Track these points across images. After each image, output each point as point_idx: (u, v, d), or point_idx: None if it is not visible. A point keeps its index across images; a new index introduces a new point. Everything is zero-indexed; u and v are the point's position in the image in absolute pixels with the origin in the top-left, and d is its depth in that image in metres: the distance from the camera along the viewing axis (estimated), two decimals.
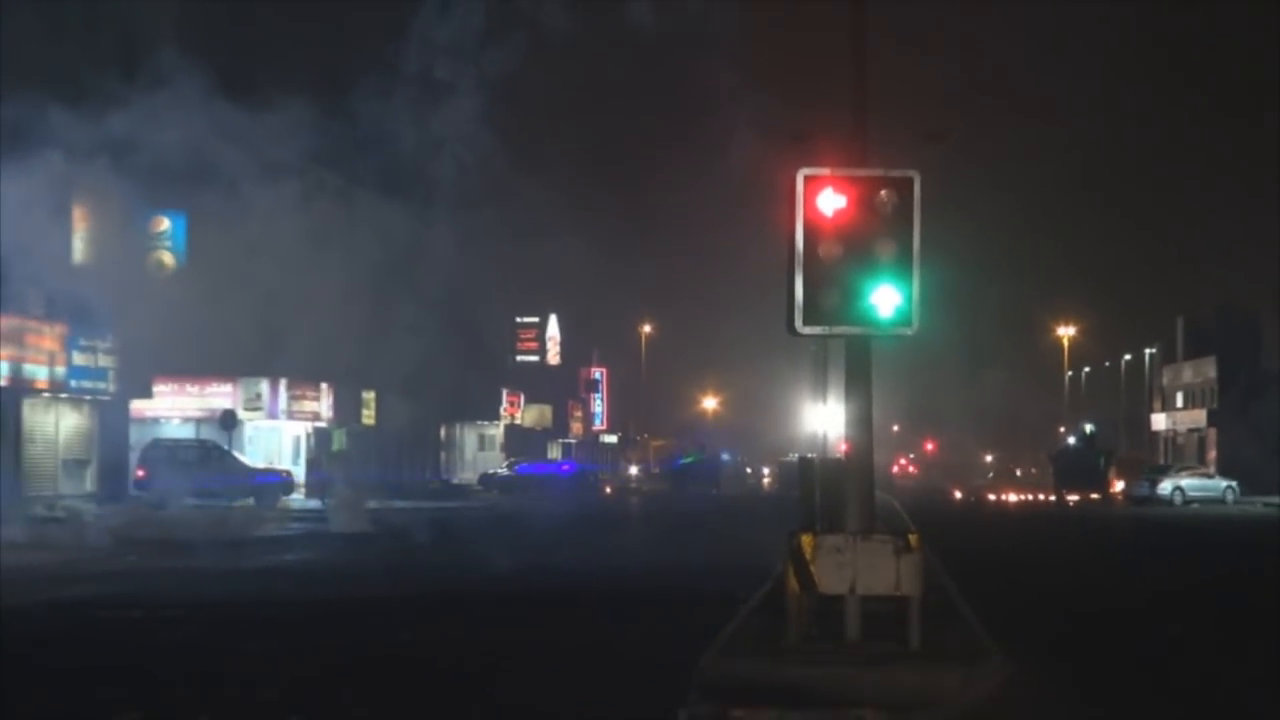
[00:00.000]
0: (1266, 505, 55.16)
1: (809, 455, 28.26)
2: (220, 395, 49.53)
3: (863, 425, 13.59)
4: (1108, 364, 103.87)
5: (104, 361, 39.69)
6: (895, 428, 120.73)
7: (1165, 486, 60.44)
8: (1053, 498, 63.46)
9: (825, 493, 15.69)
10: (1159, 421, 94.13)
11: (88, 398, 40.08)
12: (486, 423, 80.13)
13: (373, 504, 36.28)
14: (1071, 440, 73.14)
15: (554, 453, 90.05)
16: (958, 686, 11.53)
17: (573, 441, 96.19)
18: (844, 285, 12.54)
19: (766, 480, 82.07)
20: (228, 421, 45.75)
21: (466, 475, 71.73)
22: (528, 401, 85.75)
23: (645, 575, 21.80)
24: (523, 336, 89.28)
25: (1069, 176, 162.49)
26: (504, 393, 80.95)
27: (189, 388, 49.41)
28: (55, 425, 39.56)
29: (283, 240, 28.57)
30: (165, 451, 42.53)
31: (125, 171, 28.79)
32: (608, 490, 67.87)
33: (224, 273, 31.29)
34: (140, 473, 41.50)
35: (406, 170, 31.09)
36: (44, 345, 37.39)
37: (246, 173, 27.96)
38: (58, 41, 35.21)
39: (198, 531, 29.94)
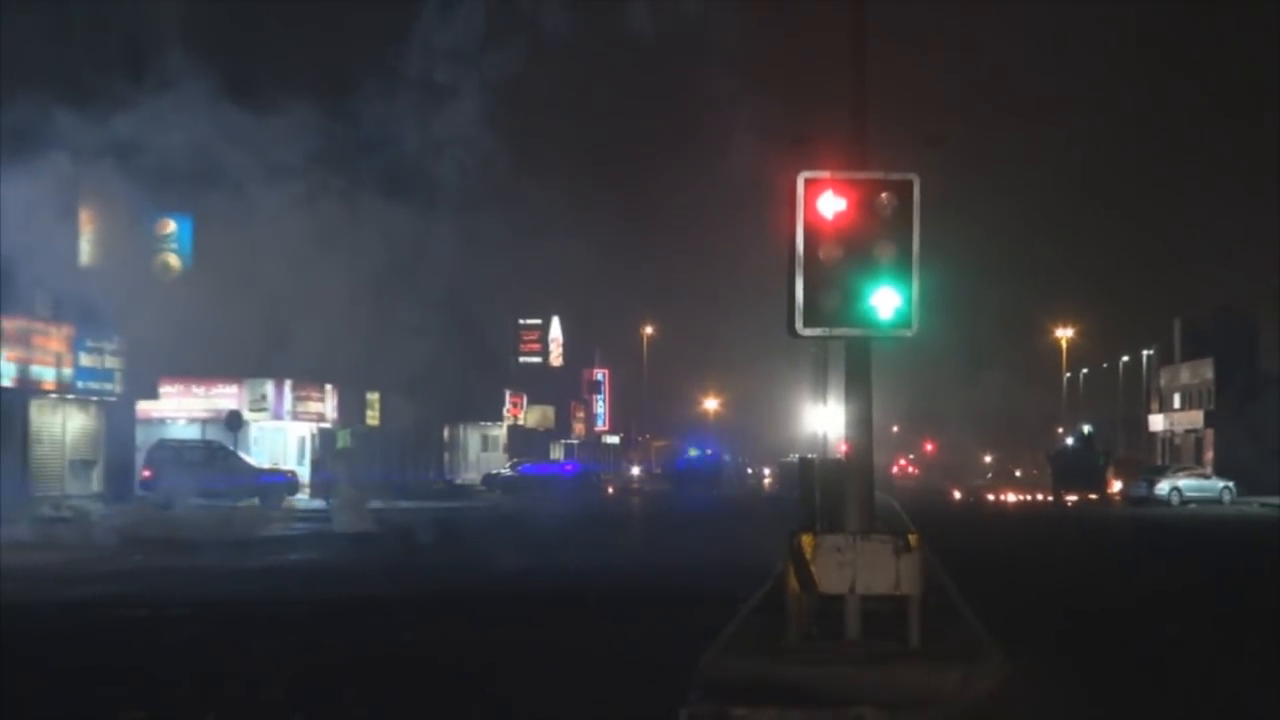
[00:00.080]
0: (1263, 505, 55.25)
1: (809, 456, 28.36)
2: (226, 396, 49.72)
3: (862, 426, 13.62)
4: (1106, 365, 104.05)
5: (110, 363, 39.87)
6: (895, 428, 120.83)
7: (1163, 487, 60.55)
8: (1051, 498, 63.55)
9: (825, 493, 15.73)
10: (1156, 422, 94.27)
11: (94, 399, 40.25)
12: (490, 423, 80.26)
13: (377, 504, 36.42)
14: (1070, 441, 73.21)
15: (556, 453, 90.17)
16: (958, 685, 11.58)
17: (575, 442, 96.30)
18: (844, 287, 12.59)
19: (767, 481, 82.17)
20: (233, 422, 45.90)
21: (470, 476, 71.87)
22: (530, 402, 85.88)
23: (646, 575, 21.88)
24: (525, 338, 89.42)
25: (1068, 178, 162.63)
26: (507, 394, 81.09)
27: (195, 389, 49.60)
28: (62, 426, 39.74)
29: (287, 242, 28.70)
30: (171, 452, 42.72)
31: (131, 174, 28.95)
32: (610, 490, 67.96)
33: (229, 274, 31.44)
34: (146, 473, 41.66)
35: (410, 172, 31.21)
36: (51, 346, 37.57)
37: (252, 175, 28.10)
38: (64, 44, 35.37)
39: (203, 531, 30.09)
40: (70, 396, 39.25)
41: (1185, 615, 17.60)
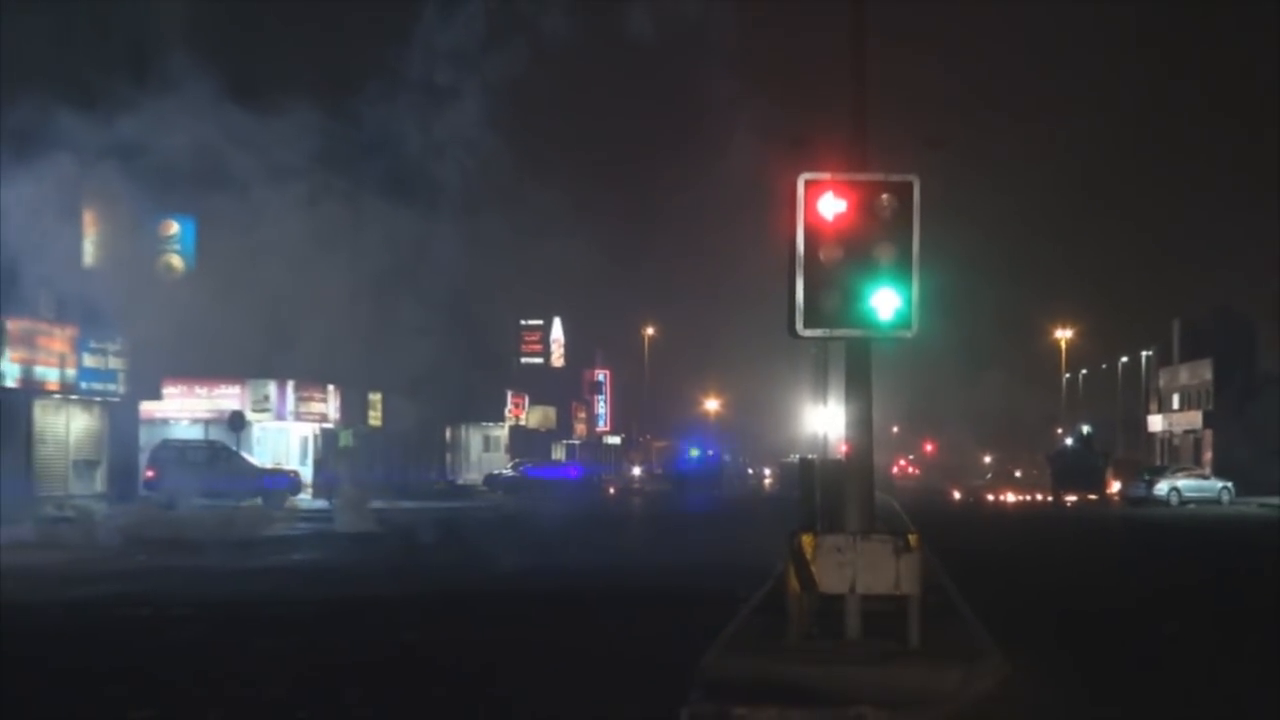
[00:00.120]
0: (1262, 506, 55.34)
1: (809, 456, 28.42)
2: (229, 397, 49.84)
3: (863, 427, 13.66)
4: (1105, 366, 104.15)
5: (114, 363, 39.98)
6: (895, 429, 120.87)
7: (1161, 487, 60.66)
8: (1050, 498, 63.64)
9: (825, 493, 15.76)
10: (1155, 423, 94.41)
11: (98, 399, 40.36)
12: (491, 424, 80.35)
13: (379, 504, 36.48)
14: (1069, 441, 73.30)
15: (558, 454, 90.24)
16: (958, 685, 11.62)
17: (576, 443, 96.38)
18: (844, 288, 12.63)
19: (767, 481, 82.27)
20: (236, 423, 46.00)
21: (471, 476, 71.96)
22: (532, 403, 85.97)
23: (647, 575, 21.93)
24: (527, 339, 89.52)
25: (1067, 179, 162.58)
26: (509, 394, 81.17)
27: (198, 389, 49.72)
28: (66, 426, 39.85)
29: (290, 243, 28.80)
30: (174, 452, 42.85)
31: (135, 175, 29.04)
32: (611, 491, 68.01)
33: (232, 275, 31.53)
34: (150, 473, 41.78)
35: (411, 173, 31.31)
36: (55, 347, 37.67)
37: (254, 176, 28.19)
38: (66, 46, 35.46)
39: (206, 531, 30.16)
40: (74, 397, 39.35)
41: (1184, 615, 17.65)
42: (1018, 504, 63.86)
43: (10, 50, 32.32)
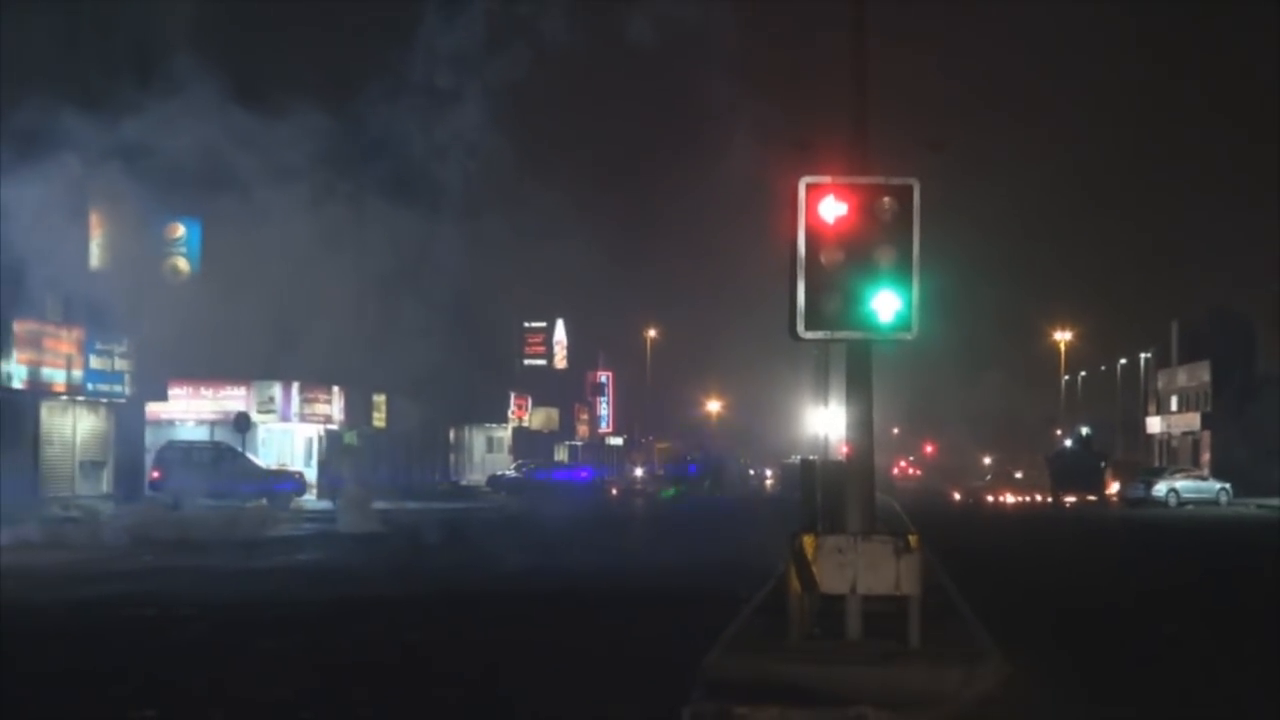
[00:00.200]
0: (1260, 507, 55.44)
1: (810, 457, 28.54)
2: (234, 398, 50.00)
3: (863, 428, 13.72)
4: (1104, 368, 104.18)
5: (120, 365, 40.13)
6: (895, 430, 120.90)
7: (1160, 488, 60.76)
8: (1049, 499, 63.73)
9: (826, 494, 15.83)
10: (1154, 424, 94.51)
11: (104, 400, 40.51)
12: (495, 425, 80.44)
13: (383, 505, 36.57)
14: (1068, 443, 73.37)
15: (560, 455, 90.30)
16: (958, 685, 11.67)
17: (579, 444, 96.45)
18: (845, 291, 12.70)
19: (769, 482, 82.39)
20: (241, 424, 46.13)
21: (475, 477, 72.07)
22: (535, 404, 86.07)
23: (649, 575, 22.01)
24: (530, 341, 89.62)
25: (1066, 181, 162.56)
26: (512, 396, 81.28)
27: (203, 391, 49.89)
28: (72, 427, 39.99)
29: (295, 245, 28.92)
30: (180, 453, 43.00)
31: (141, 178, 29.17)
32: (613, 492, 68.08)
33: (237, 278, 31.67)
34: (155, 474, 41.92)
35: (416, 176, 31.43)
36: (61, 349, 37.81)
37: (259, 179, 28.31)
38: (72, 48, 35.59)
39: (211, 532, 30.28)
40: (80, 398, 39.51)
41: (1183, 615, 17.71)
42: (1017, 505, 63.93)
43: (16, 52, 32.46)
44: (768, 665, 11.97)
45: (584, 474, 70.43)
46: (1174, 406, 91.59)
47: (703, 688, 11.28)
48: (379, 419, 58.57)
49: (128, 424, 41.82)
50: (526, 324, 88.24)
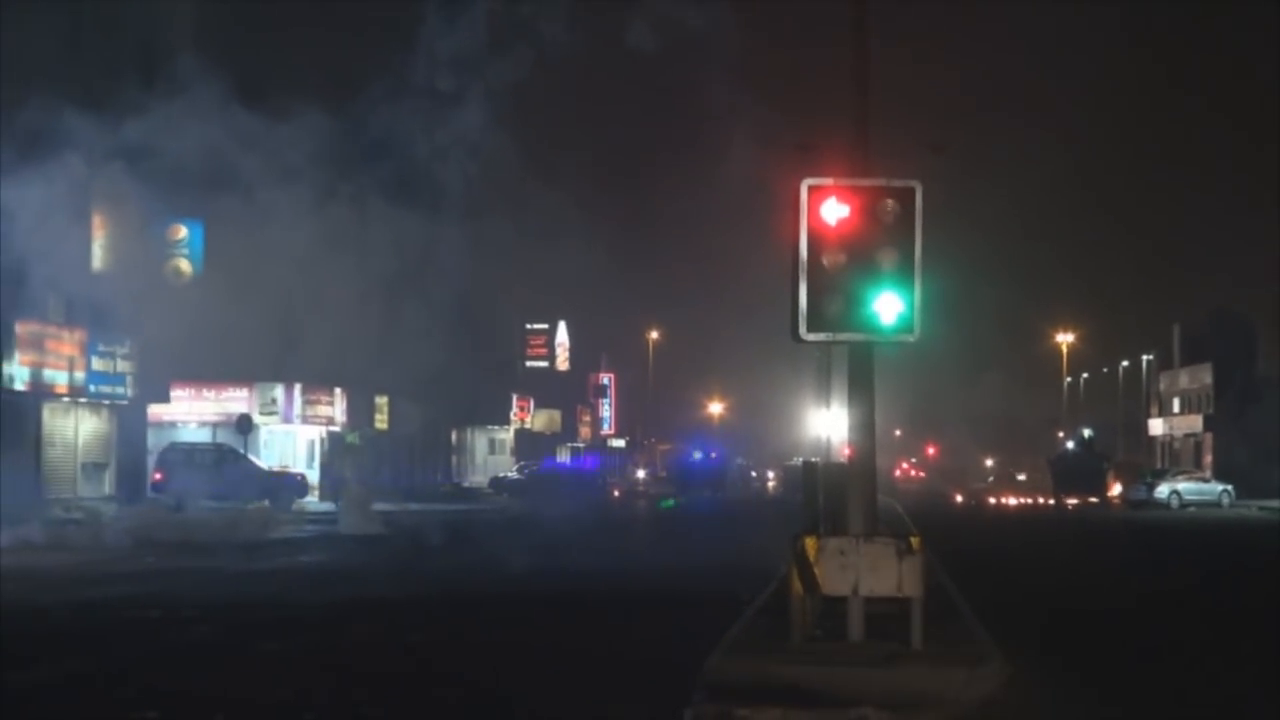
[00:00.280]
0: (1262, 509, 55.52)
1: (813, 459, 28.55)
2: (236, 400, 50.05)
3: (865, 430, 13.73)
4: (1105, 370, 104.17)
5: (122, 367, 40.18)
6: (897, 432, 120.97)
7: (1162, 490, 60.86)
8: (1051, 501, 63.77)
9: (828, 496, 15.84)
10: (1156, 426, 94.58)
11: (106, 402, 40.56)
12: (497, 427, 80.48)
13: (386, 506, 36.57)
14: (1070, 445, 73.45)
15: (563, 457, 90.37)
16: (960, 686, 11.71)
17: (581, 446, 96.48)
18: (847, 293, 12.74)
19: (771, 484, 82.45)
20: (244, 425, 46.17)
21: (477, 479, 72.11)
22: (537, 406, 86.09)
23: (651, 577, 22.01)
24: (532, 342, 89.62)
25: (1067, 183, 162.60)
26: (514, 398, 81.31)
27: (206, 392, 49.94)
28: (74, 429, 40.03)
29: (297, 247, 28.94)
30: (182, 455, 43.03)
31: (143, 179, 29.20)
32: (616, 494, 68.12)
33: (240, 279, 31.69)
34: (157, 476, 41.95)
35: (419, 178, 31.46)
36: (64, 351, 37.86)
37: (262, 180, 28.33)
38: (75, 50, 35.63)
39: (214, 533, 30.31)
40: (82, 400, 39.54)
41: (1185, 616, 17.75)
42: (1019, 507, 63.98)
43: (19, 52, 32.51)
44: (769, 667, 12.00)
45: (590, 463, 70.75)
46: (1176, 408, 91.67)
47: (704, 690, 11.30)
48: (381, 420, 58.60)
49: (130, 426, 41.86)
50: (529, 325, 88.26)
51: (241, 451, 44.54)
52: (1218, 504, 59.73)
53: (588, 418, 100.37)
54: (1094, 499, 62.56)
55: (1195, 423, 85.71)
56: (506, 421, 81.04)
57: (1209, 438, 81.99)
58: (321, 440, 54.78)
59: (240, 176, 28.54)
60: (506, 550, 25.88)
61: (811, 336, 13.03)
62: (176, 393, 46.79)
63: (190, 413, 49.69)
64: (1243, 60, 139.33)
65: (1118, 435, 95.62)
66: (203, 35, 35.63)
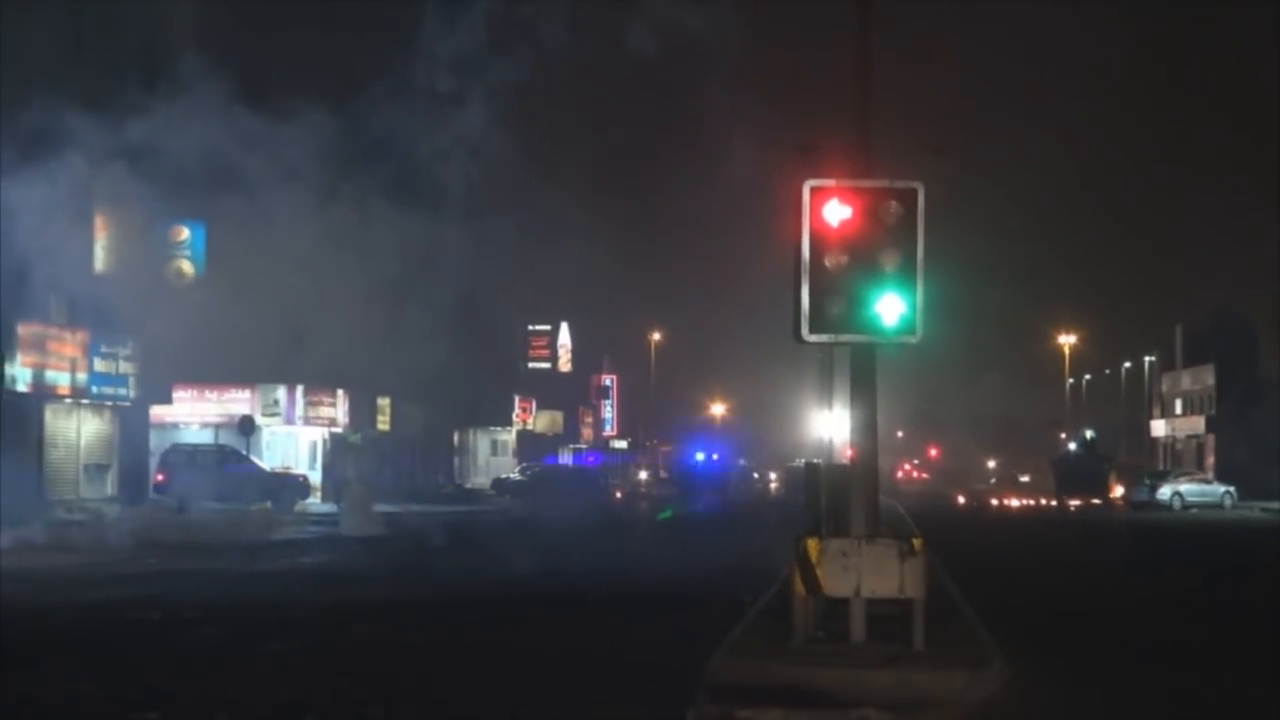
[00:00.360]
0: (1264, 510, 55.57)
1: (815, 461, 28.56)
2: (239, 401, 50.05)
3: (867, 431, 13.74)
4: (1108, 371, 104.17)
5: (125, 368, 40.20)
6: (899, 434, 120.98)
7: (1164, 492, 60.91)
8: (1054, 503, 63.80)
9: (831, 497, 15.85)
10: (1158, 428, 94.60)
11: (109, 404, 40.58)
12: (499, 428, 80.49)
13: (388, 508, 36.58)
14: (1072, 446, 73.47)
15: (564, 457, 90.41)
16: (962, 687, 11.73)
17: (583, 447, 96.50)
18: (849, 294, 12.75)
19: (773, 485, 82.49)
20: (246, 427, 46.20)
21: (479, 480, 72.15)
22: (539, 407, 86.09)
23: (653, 578, 22.02)
24: (535, 344, 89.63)
25: (1069, 183, 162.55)
26: (516, 399, 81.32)
27: (208, 394, 49.95)
28: (77, 430, 40.05)
29: (300, 248, 28.96)
30: (184, 456, 43.08)
31: (146, 180, 29.22)
32: (618, 495, 68.16)
33: (242, 281, 31.71)
34: (160, 477, 41.98)
35: (421, 179, 31.48)
36: (66, 352, 37.88)
37: (264, 181, 28.35)
38: (77, 51, 35.65)
39: (216, 534, 30.34)
40: (85, 402, 39.57)
41: (1186, 617, 17.75)
42: (1021, 508, 64.00)
43: (21, 53, 32.53)
44: (771, 668, 12.03)
45: (591, 459, 70.85)
46: (1178, 410, 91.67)
47: (706, 691, 11.32)
48: (383, 422, 58.61)
49: (132, 427, 41.88)
50: (531, 327, 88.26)
51: (244, 453, 44.57)
52: (1220, 505, 59.75)
53: (590, 419, 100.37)
54: (1096, 500, 62.59)
55: (1197, 424, 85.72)
56: (509, 423, 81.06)
57: (1211, 439, 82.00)
58: (324, 441, 54.80)
59: (243, 177, 28.56)
60: (508, 551, 25.90)
61: (814, 338, 13.04)
62: (179, 394, 46.81)
63: (192, 414, 49.71)
64: (1243, 60, 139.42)
65: (1120, 436, 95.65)
66: (205, 35, 35.64)
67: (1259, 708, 11.96)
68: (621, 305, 78.13)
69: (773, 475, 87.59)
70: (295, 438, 53.52)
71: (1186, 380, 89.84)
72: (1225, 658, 14.50)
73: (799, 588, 12.84)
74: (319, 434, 54.68)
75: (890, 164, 14.78)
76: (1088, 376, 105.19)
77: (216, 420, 49.86)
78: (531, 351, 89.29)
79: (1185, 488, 61.81)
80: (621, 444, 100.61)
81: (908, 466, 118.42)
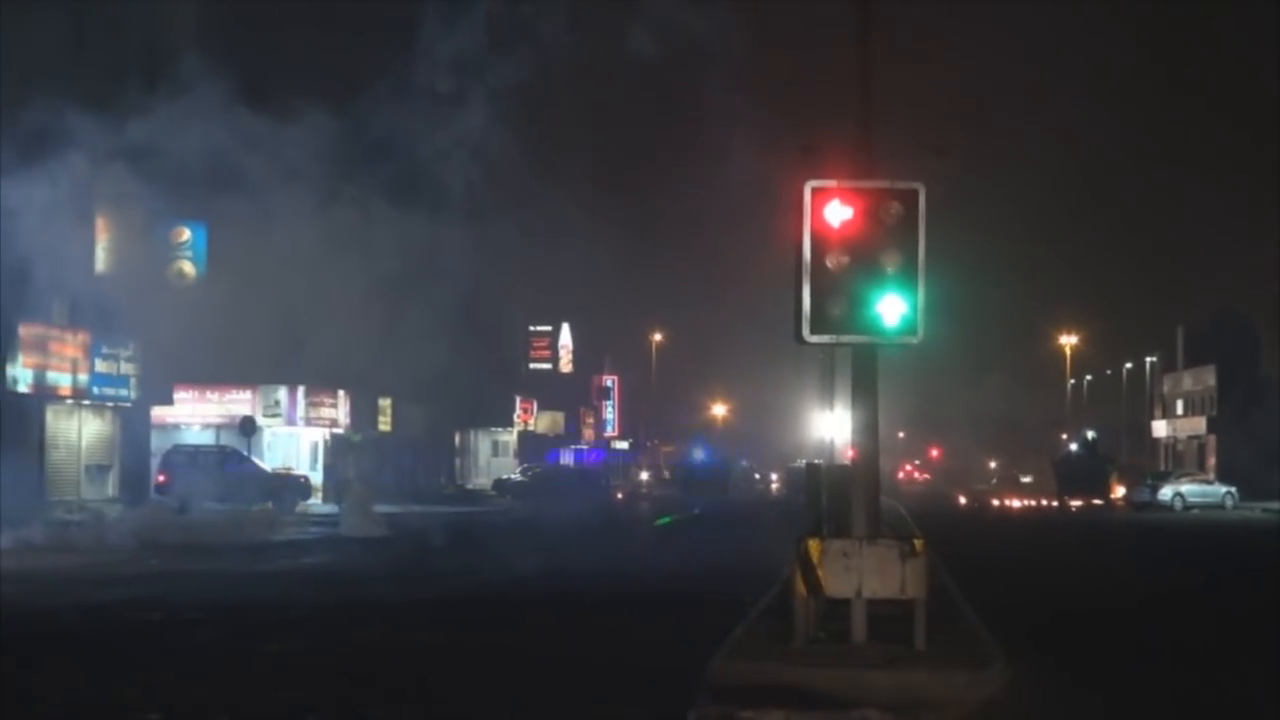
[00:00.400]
0: (1265, 511, 55.57)
1: (816, 461, 28.57)
2: (239, 402, 50.04)
3: (869, 432, 13.75)
4: (1109, 371, 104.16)
5: (126, 369, 40.19)
6: (901, 434, 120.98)
7: (1166, 492, 60.90)
8: (1055, 503, 63.80)
9: (832, 498, 15.86)
10: (1160, 428, 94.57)
11: (110, 405, 40.58)
12: (500, 429, 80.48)
13: (390, 509, 36.57)
14: (1074, 447, 73.49)
15: (566, 459, 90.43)
16: (963, 688, 11.74)
17: (585, 448, 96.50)
18: (850, 295, 12.75)
19: (774, 485, 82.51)
20: (247, 428, 46.22)
21: (480, 481, 72.17)
22: (541, 408, 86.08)
23: (654, 578, 22.05)
24: (536, 344, 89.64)
25: (1071, 184, 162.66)
26: (517, 399, 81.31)
27: (209, 395, 49.94)
28: (78, 431, 40.05)
29: (301, 249, 28.97)
30: (185, 457, 43.09)
31: (147, 181, 29.23)
32: (619, 495, 68.18)
33: (243, 282, 31.73)
34: (161, 478, 42.00)
35: (422, 180, 31.50)
36: (67, 353, 37.87)
37: (266, 182, 28.36)
38: (78, 52, 35.66)
39: (217, 535, 30.34)
40: (86, 402, 39.57)
41: (1187, 618, 17.76)
42: (1022, 509, 64.01)
43: (22, 54, 32.53)
44: (772, 669, 12.04)
45: (595, 456, 70.95)
46: (1179, 410, 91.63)
47: (707, 692, 11.32)
48: (384, 423, 58.62)
49: (133, 428, 41.88)
50: (532, 328, 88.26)
51: (245, 454, 44.58)
52: (1221, 506, 59.76)
53: (591, 420, 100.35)
54: (1097, 501, 62.60)
55: (1199, 424, 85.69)
56: (510, 423, 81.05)
57: (1212, 439, 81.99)
58: (325, 442, 54.80)
59: (244, 178, 28.58)
60: (509, 552, 25.91)
61: (815, 339, 13.05)
62: (180, 395, 46.79)
63: (194, 415, 49.70)
64: (1243, 60, 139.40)
65: (1121, 437, 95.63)
66: (206, 36, 35.64)
67: (1260, 708, 11.96)
68: (623, 306, 78.19)
69: (774, 476, 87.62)
70: (296, 438, 53.52)
71: (1188, 381, 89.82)
72: (1226, 658, 14.49)
73: (800, 588, 12.84)
74: (320, 435, 54.68)
75: (891, 164, 14.79)
76: (1089, 377, 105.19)
77: (218, 421, 49.87)
78: (533, 352, 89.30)
79: (1186, 488, 61.82)
80: (623, 444, 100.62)
81: (909, 467, 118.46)
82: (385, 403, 58.20)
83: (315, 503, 46.22)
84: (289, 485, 44.48)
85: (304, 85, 33.70)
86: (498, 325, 64.49)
